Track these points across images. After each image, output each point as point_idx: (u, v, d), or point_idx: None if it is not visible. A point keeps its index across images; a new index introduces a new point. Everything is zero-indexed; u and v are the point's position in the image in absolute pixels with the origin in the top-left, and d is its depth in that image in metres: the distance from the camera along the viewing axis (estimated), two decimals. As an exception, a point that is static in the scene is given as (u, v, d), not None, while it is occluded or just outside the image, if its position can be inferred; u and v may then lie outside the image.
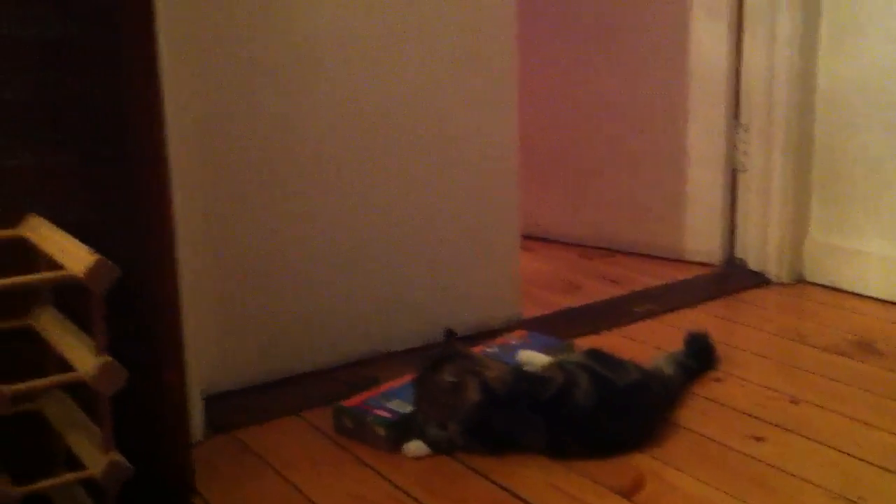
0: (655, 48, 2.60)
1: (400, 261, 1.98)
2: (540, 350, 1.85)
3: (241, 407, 1.75)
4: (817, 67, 2.37)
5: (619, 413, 1.58)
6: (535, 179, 2.77)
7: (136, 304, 1.37)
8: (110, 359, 1.04)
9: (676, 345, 1.93)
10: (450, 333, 1.64)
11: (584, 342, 2.04)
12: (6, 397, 1.04)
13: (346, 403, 1.67)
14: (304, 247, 1.87)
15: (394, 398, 1.67)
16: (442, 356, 1.58)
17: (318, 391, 1.81)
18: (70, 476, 1.16)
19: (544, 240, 2.87)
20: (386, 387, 1.73)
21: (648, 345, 2.05)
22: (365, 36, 1.86)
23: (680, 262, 2.64)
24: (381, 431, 1.60)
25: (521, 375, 1.62)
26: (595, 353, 1.72)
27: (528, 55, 2.46)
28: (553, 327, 2.10)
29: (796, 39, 2.33)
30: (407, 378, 1.68)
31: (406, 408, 1.63)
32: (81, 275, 1.01)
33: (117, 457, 1.07)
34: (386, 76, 1.90)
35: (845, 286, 2.38)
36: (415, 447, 1.57)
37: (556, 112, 2.82)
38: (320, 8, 1.81)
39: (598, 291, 2.44)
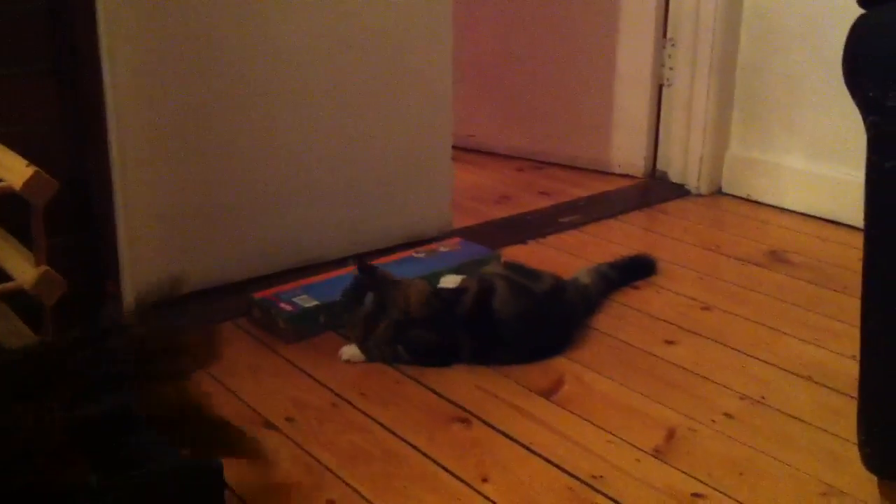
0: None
1: (333, 171, 2.01)
2: (467, 257, 1.94)
3: (180, 313, 1.78)
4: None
5: (538, 320, 1.65)
6: (468, 93, 2.79)
7: (75, 215, 1.39)
8: (49, 269, 1.07)
9: (598, 254, 2.01)
10: (359, 260, 1.69)
11: (511, 251, 2.12)
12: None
13: (257, 295, 1.77)
14: (242, 158, 1.88)
15: (301, 293, 1.77)
16: (362, 281, 1.65)
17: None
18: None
19: (477, 151, 2.92)
20: (297, 284, 1.82)
21: (572, 254, 2.13)
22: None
23: (606, 174, 2.72)
24: (281, 323, 1.70)
25: (436, 294, 1.66)
26: (512, 265, 1.81)
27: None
28: (482, 237, 2.16)
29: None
30: (319, 277, 1.83)
31: (310, 302, 1.73)
32: (19, 187, 1.03)
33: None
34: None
35: (762, 198, 2.49)
36: (350, 352, 1.64)
37: (490, 27, 2.84)
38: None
39: (527, 203, 2.51)
